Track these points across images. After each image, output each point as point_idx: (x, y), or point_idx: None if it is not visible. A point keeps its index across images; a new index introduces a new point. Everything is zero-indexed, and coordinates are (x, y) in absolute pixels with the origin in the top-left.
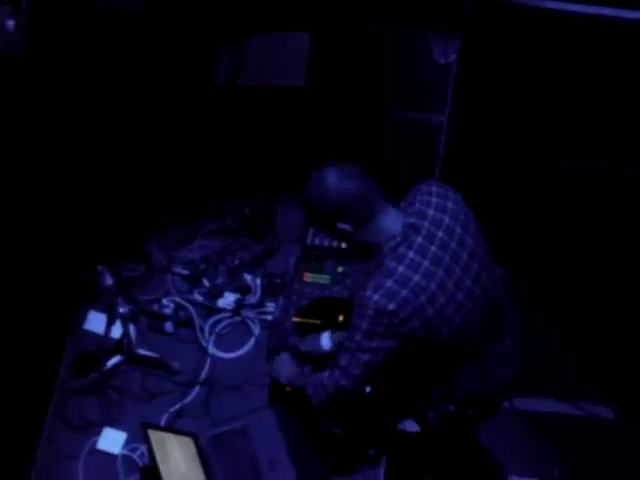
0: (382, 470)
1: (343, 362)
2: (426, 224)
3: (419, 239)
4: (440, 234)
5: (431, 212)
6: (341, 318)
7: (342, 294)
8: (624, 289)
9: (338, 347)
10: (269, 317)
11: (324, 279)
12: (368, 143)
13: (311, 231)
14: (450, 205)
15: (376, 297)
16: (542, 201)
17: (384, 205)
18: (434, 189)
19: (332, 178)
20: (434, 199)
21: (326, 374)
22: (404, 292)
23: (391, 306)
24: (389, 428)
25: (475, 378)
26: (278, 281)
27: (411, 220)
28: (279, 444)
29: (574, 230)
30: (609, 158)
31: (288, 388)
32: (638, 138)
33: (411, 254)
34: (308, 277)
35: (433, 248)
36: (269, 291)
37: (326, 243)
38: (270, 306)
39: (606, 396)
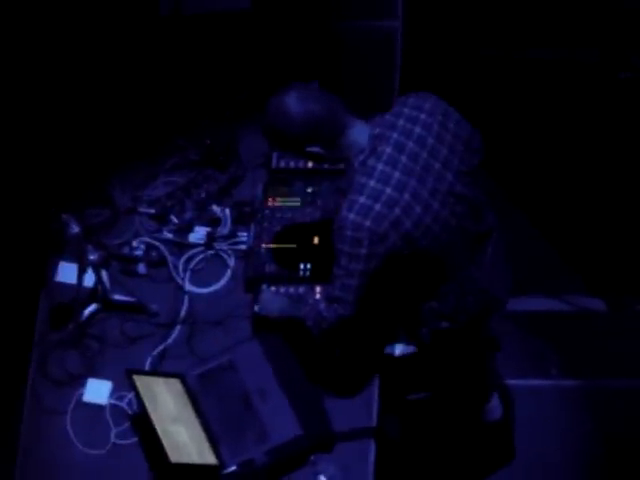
0: (376, 389)
1: (337, 292)
2: (395, 134)
3: (388, 149)
4: (410, 144)
5: (401, 122)
6: (316, 240)
7: (314, 215)
8: (603, 177)
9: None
10: (243, 247)
11: (294, 201)
12: (323, 58)
13: (275, 154)
14: (423, 116)
15: (352, 216)
16: (507, 96)
17: (349, 119)
18: (410, 100)
19: (293, 104)
20: (407, 110)
21: (322, 305)
22: (377, 206)
23: (367, 222)
24: (381, 347)
25: (462, 289)
26: (248, 209)
27: (377, 131)
28: (268, 374)
29: (543, 122)
30: (565, 46)
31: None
32: (592, 23)
33: (380, 166)
34: (278, 201)
35: (403, 158)
36: (240, 220)
37: (292, 164)
38: (242, 235)
39: (595, 288)
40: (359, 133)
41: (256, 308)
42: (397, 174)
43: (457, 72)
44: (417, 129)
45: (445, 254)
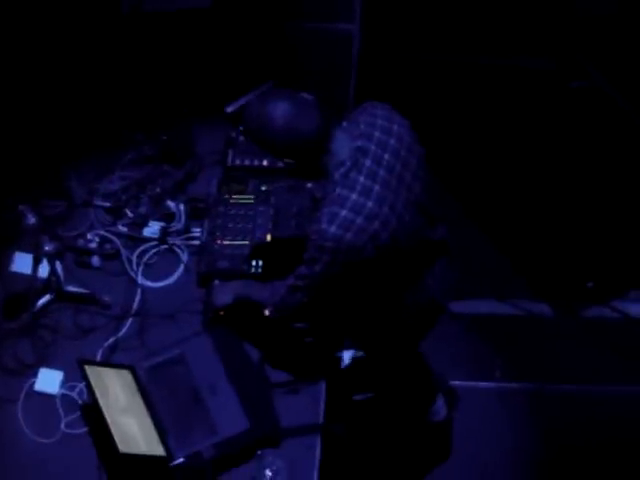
0: (323, 387)
1: (300, 284)
2: (373, 147)
3: (368, 162)
4: (387, 156)
5: (377, 134)
6: (268, 237)
7: (267, 212)
8: (551, 183)
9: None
10: (196, 242)
11: (248, 199)
12: (280, 57)
13: (231, 152)
14: (395, 127)
15: (333, 229)
16: (461, 102)
17: (333, 131)
18: (379, 111)
19: (284, 118)
20: (379, 121)
21: (284, 291)
22: (359, 220)
23: (348, 235)
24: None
25: (414, 296)
26: (202, 205)
27: (359, 143)
28: (218, 368)
29: (494, 128)
30: (523, 53)
31: (222, 312)
32: (547, 30)
33: (362, 179)
34: (232, 198)
35: (381, 171)
36: (194, 216)
37: (247, 162)
38: (196, 231)
39: (542, 293)
40: (340, 145)
41: (215, 301)
42: (377, 187)
43: (411, 76)
44: (391, 141)
45: (405, 263)
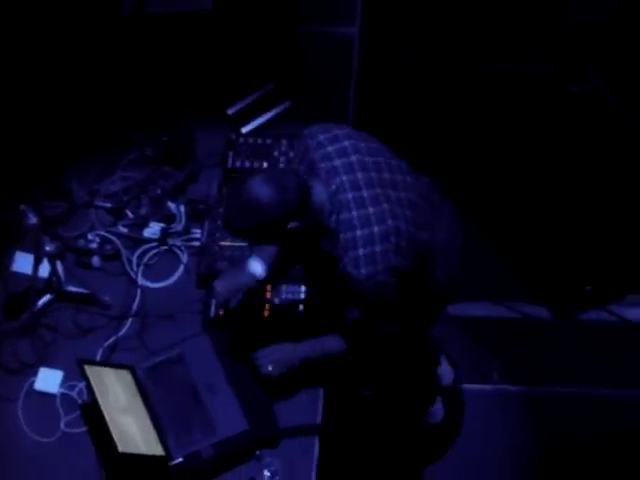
0: (321, 388)
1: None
2: (343, 177)
3: (349, 195)
4: (359, 175)
5: (337, 162)
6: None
7: None
8: (550, 186)
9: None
10: (196, 243)
11: None
12: (281, 60)
13: (231, 154)
14: (346, 143)
15: (363, 270)
16: (461, 106)
17: (308, 184)
18: (321, 136)
19: (260, 190)
20: (329, 147)
21: (342, 344)
22: (378, 248)
23: (380, 266)
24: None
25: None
26: (202, 206)
27: (332, 186)
28: (217, 369)
29: (492, 131)
30: (519, 58)
31: (221, 312)
32: (545, 35)
33: (354, 213)
34: None
35: (364, 192)
36: (194, 217)
37: (247, 165)
38: (196, 232)
39: (539, 296)
40: (320, 194)
41: (270, 368)
42: (371, 209)
43: (411, 79)
44: (352, 157)
45: (424, 251)
